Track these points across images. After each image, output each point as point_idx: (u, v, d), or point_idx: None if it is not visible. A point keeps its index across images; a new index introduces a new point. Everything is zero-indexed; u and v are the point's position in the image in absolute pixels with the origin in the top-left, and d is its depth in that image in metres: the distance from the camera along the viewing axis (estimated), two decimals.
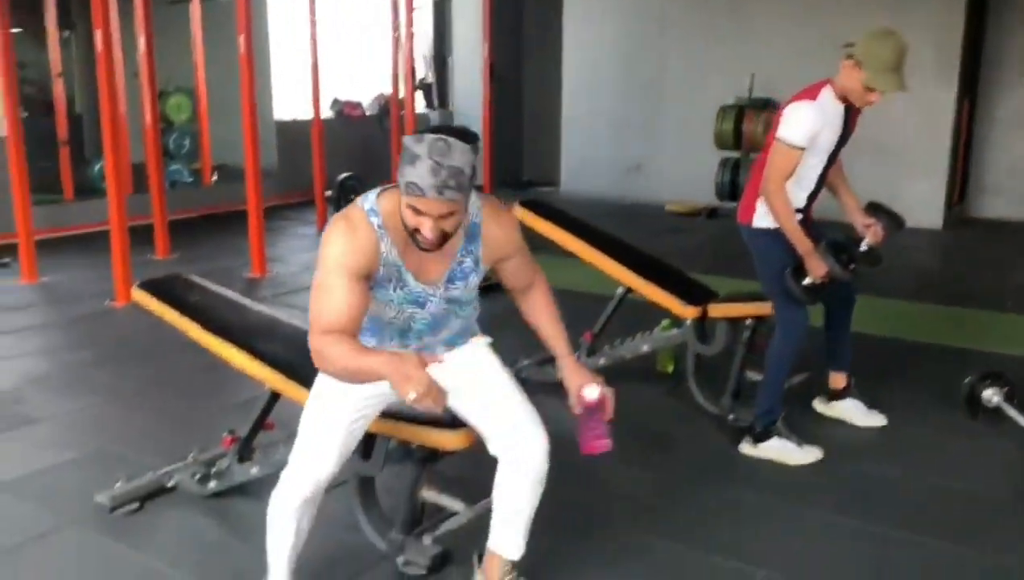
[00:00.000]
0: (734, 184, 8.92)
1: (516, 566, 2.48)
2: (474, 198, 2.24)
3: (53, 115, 8.88)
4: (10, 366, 4.73)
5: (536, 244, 4.77)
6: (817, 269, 3.33)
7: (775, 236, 3.41)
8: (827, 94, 3.32)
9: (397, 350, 2.35)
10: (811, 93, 3.33)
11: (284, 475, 2.38)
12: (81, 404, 4.20)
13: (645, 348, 4.16)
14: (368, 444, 2.60)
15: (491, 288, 2.54)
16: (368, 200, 2.20)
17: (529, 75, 11.71)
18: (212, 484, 3.15)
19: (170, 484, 3.21)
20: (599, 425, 2.33)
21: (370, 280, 2.18)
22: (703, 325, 3.94)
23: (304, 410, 2.41)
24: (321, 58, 8.33)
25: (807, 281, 3.36)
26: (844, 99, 3.32)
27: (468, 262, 2.28)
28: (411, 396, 1.98)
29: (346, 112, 10.77)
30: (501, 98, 10.10)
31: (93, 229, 7.52)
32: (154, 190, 7.28)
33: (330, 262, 2.12)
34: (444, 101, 11.75)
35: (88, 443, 3.70)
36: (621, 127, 10.23)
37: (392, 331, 2.35)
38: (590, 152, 10.44)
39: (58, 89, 8.90)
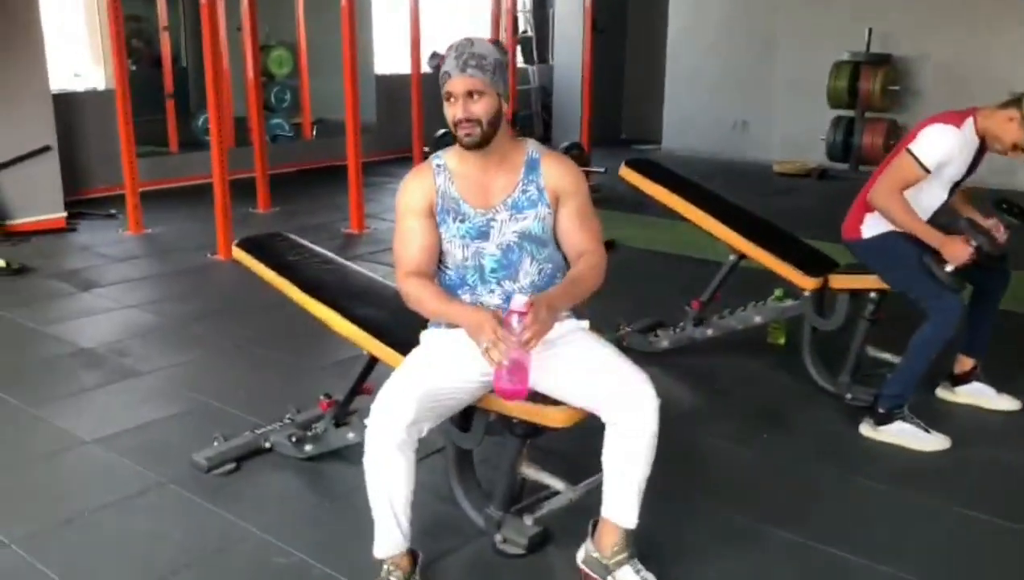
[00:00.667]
0: (847, 144, 8.56)
1: (629, 539, 2.35)
2: (532, 142, 2.50)
3: (160, 68, 9.01)
4: (116, 317, 4.81)
5: (641, 206, 4.63)
6: (960, 254, 3.13)
7: (893, 235, 3.27)
8: (970, 125, 3.17)
9: (485, 300, 2.41)
10: (958, 120, 3.17)
11: (367, 422, 2.27)
12: (183, 358, 4.23)
13: (757, 319, 3.93)
14: (467, 416, 2.49)
15: None
16: (438, 150, 2.51)
17: (632, 28, 11.36)
18: (308, 447, 3.10)
19: (266, 445, 3.18)
20: (521, 361, 2.16)
21: (435, 217, 2.41)
22: (822, 297, 3.69)
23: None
24: (421, 11, 8.17)
25: (950, 267, 3.16)
26: (982, 136, 3.18)
27: (532, 190, 2.42)
28: (483, 346, 2.18)
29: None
30: (603, 52, 9.80)
31: (197, 181, 7.62)
32: (256, 144, 7.31)
33: (401, 208, 2.45)
34: (544, 55, 11.50)
35: (188, 399, 3.70)
36: (727, 83, 9.83)
37: (472, 277, 2.43)
38: (694, 109, 10.08)
39: (164, 43, 9.01)
